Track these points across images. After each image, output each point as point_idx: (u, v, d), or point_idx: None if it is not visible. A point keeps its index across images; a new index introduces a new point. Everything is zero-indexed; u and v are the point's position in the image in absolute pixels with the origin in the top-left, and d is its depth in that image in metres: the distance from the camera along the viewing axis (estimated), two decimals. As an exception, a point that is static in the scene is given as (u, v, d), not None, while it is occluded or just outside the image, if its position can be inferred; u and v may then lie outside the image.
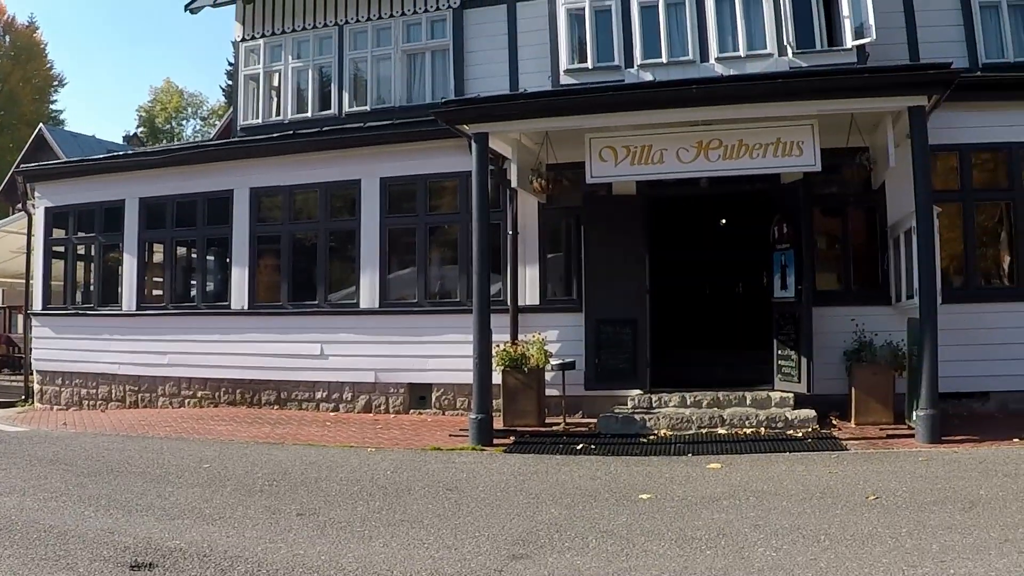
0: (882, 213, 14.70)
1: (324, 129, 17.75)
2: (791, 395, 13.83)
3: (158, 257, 19.48)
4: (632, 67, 15.99)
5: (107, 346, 18.92)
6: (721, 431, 13.11)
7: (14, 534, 7.74)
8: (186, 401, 18.15)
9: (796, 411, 13.35)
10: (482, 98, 14.01)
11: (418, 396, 16.35)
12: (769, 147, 12.93)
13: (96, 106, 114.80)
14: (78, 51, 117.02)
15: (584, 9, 16.31)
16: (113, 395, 18.90)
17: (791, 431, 12.87)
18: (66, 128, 57.63)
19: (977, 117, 14.48)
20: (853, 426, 13.17)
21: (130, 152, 23.36)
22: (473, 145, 13.49)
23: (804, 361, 13.95)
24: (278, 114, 19.27)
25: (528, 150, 14.87)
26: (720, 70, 15.51)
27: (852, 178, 13.86)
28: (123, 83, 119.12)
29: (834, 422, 13.50)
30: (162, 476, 10.66)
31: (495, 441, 12.92)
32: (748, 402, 13.86)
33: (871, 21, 14.74)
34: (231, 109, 24.32)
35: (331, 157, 17.08)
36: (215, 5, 19.57)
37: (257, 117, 19.42)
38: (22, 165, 24.90)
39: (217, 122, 57.99)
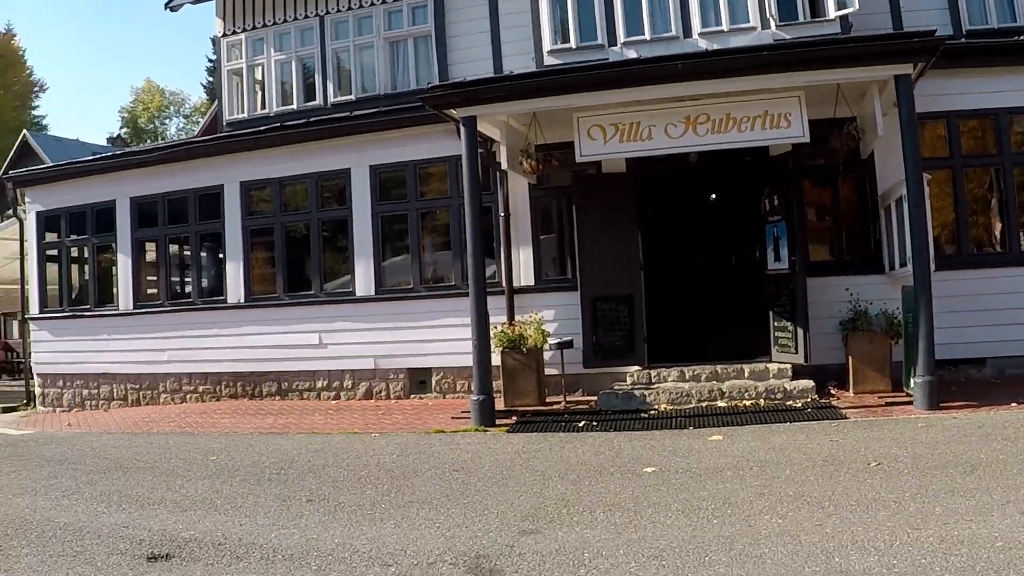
0: (872, 182, 14.85)
1: (311, 120, 17.77)
2: (789, 366, 13.98)
3: (151, 255, 19.52)
4: (615, 45, 16.17)
5: (106, 346, 19.08)
6: (721, 404, 13.26)
7: (29, 533, 7.80)
8: (188, 396, 18.29)
9: (794, 382, 13.51)
10: (468, 81, 14.11)
11: (418, 380, 16.50)
12: (757, 120, 13.05)
13: (78, 110, 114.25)
14: (57, 55, 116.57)
15: (565, -13, 16.45)
16: (115, 394, 19.05)
17: (790, 401, 13.05)
18: (49, 133, 57.55)
19: (963, 84, 14.63)
20: (851, 395, 13.36)
21: (118, 152, 23.35)
22: (462, 129, 13.53)
23: (800, 332, 14.13)
24: (263, 107, 19.44)
25: (516, 132, 14.96)
26: (704, 45, 15.70)
27: (841, 148, 13.93)
28: (104, 85, 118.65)
29: (832, 392, 13.71)
30: (171, 470, 10.71)
31: (497, 421, 13.04)
32: (746, 374, 14.03)
33: (853, -10, 14.90)
34: (215, 105, 24.43)
35: (319, 147, 17.18)
36: (195, 1, 19.73)
37: (242, 111, 19.56)
38: (9, 171, 24.93)
39: (200, 120, 57.96)
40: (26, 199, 20.43)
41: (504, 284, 15.71)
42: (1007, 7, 16.26)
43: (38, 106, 71.95)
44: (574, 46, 16.33)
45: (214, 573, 6.35)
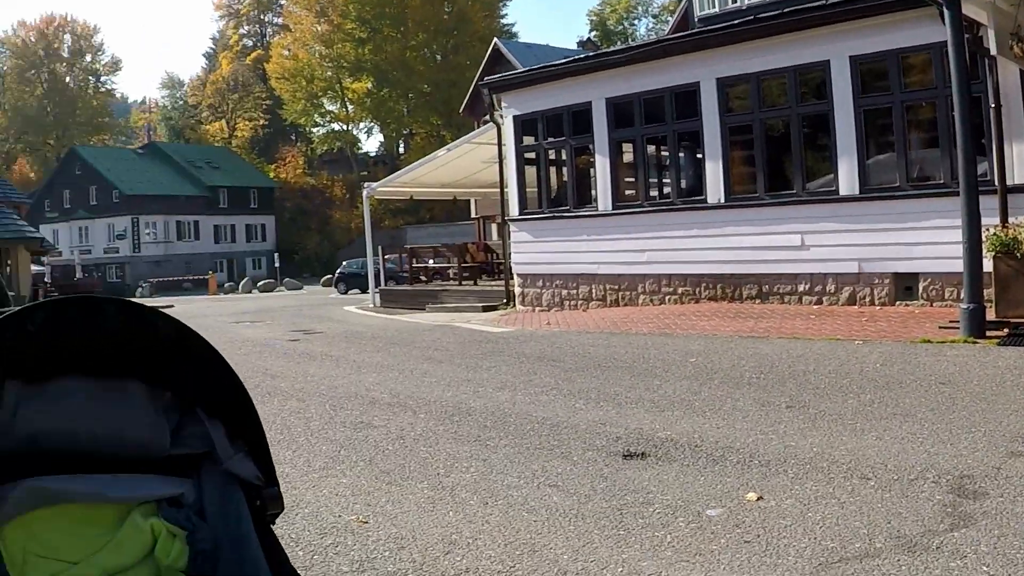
0: None
1: (784, 11, 17.76)
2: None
3: (628, 156, 20.68)
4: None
5: (584, 247, 20.66)
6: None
7: (508, 425, 8.70)
8: (666, 298, 19.41)
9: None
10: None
11: (904, 286, 16.45)
12: None
13: (545, 16, 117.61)
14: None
15: None
16: (593, 294, 20.63)
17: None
18: (519, 40, 60.48)
19: None
20: None
21: (591, 55, 24.40)
22: (945, 12, 13.10)
23: None
24: (734, 1, 19.59)
25: (1004, 13, 14.36)
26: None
27: None
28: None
29: None
30: (648, 370, 11.52)
31: (988, 333, 12.77)
32: None
33: None
34: (684, 2, 24.83)
35: (795, 39, 17.27)
36: None
37: (713, 6, 20.23)
38: (485, 78, 26.65)
39: (669, 18, 58.95)
40: (502, 104, 22.35)
41: (996, 182, 15.10)
42: None
43: (506, 14, 76.18)
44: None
45: (689, 474, 6.77)
